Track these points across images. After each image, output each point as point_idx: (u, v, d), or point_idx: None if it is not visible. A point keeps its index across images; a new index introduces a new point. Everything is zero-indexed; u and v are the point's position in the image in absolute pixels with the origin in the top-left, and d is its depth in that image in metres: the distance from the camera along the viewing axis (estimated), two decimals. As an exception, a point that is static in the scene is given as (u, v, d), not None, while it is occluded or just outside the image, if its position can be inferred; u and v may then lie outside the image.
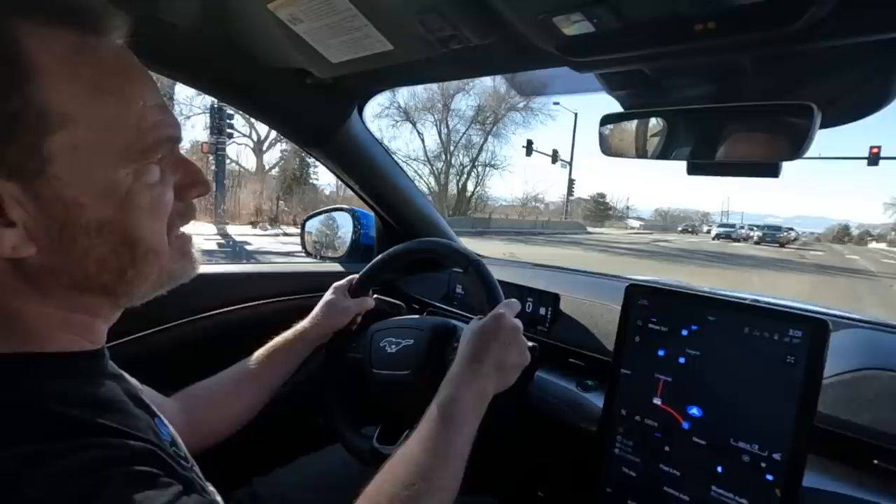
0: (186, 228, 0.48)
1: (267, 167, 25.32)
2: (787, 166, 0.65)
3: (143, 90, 0.40)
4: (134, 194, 0.39)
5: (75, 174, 0.36)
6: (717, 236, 39.40)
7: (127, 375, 0.51)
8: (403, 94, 26.73)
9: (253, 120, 20.16)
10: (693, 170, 0.71)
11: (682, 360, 0.68)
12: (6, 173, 0.34)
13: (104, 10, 0.38)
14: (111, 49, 0.39)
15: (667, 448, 0.68)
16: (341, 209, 1.44)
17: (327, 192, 24.85)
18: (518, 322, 0.69)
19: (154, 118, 0.40)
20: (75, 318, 0.42)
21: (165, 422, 0.48)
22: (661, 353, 0.70)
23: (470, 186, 29.48)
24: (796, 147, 0.59)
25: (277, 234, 14.70)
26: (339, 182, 1.31)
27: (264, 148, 24.95)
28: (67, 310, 0.41)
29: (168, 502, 0.34)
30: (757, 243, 34.51)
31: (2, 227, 0.35)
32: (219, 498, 0.43)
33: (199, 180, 0.46)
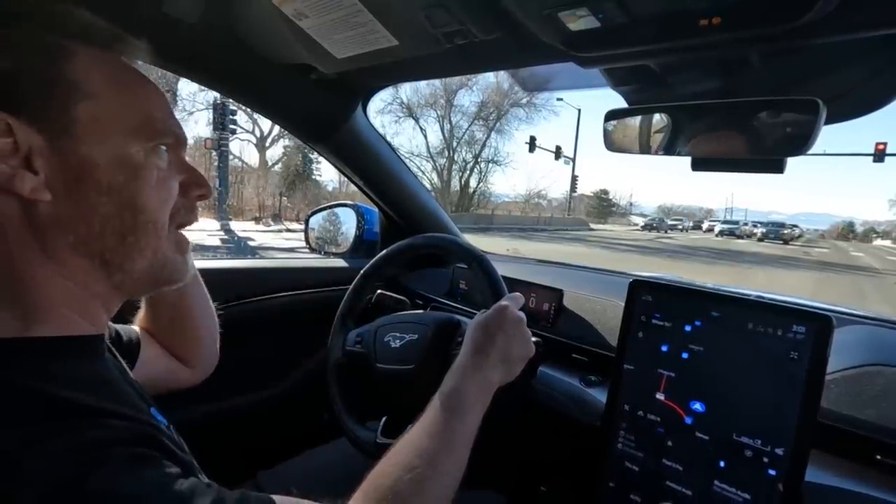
0: (188, 229, 0.51)
1: (270, 163, 25.32)
2: (791, 162, 0.65)
3: (155, 94, 0.47)
4: (143, 169, 0.44)
5: (94, 139, 0.42)
6: (721, 233, 39.20)
7: (124, 364, 0.53)
8: (406, 89, 26.71)
9: (256, 116, 20.22)
10: (697, 166, 0.71)
11: (685, 355, 0.68)
12: (37, 128, 0.40)
13: (126, 38, 0.46)
14: (130, 62, 0.47)
15: (669, 443, 0.68)
16: (345, 205, 1.44)
17: (330, 188, 24.87)
18: (522, 314, 0.70)
19: (164, 113, 0.46)
20: (75, 291, 0.43)
21: (159, 414, 0.49)
22: (664, 348, 0.70)
23: (472, 183, 29.39)
24: (801, 143, 0.59)
25: (280, 230, 14.75)
26: (343, 178, 1.32)
27: (267, 144, 24.96)
28: (66, 277, 0.42)
29: (165, 483, 0.35)
30: (760, 240, 34.32)
31: (25, 171, 0.39)
32: (215, 485, 0.44)
33: (201, 182, 0.50)
